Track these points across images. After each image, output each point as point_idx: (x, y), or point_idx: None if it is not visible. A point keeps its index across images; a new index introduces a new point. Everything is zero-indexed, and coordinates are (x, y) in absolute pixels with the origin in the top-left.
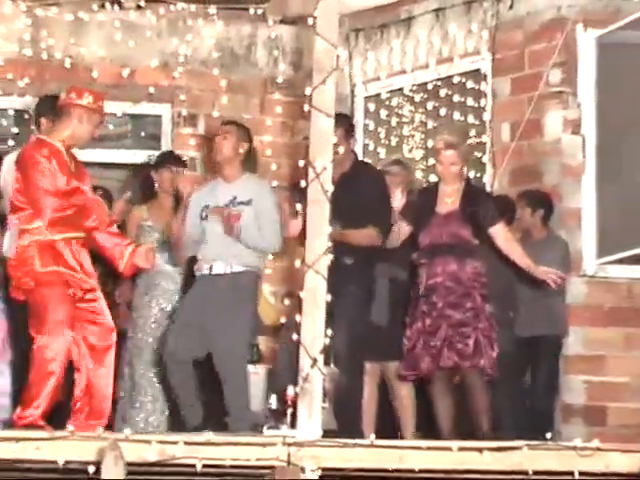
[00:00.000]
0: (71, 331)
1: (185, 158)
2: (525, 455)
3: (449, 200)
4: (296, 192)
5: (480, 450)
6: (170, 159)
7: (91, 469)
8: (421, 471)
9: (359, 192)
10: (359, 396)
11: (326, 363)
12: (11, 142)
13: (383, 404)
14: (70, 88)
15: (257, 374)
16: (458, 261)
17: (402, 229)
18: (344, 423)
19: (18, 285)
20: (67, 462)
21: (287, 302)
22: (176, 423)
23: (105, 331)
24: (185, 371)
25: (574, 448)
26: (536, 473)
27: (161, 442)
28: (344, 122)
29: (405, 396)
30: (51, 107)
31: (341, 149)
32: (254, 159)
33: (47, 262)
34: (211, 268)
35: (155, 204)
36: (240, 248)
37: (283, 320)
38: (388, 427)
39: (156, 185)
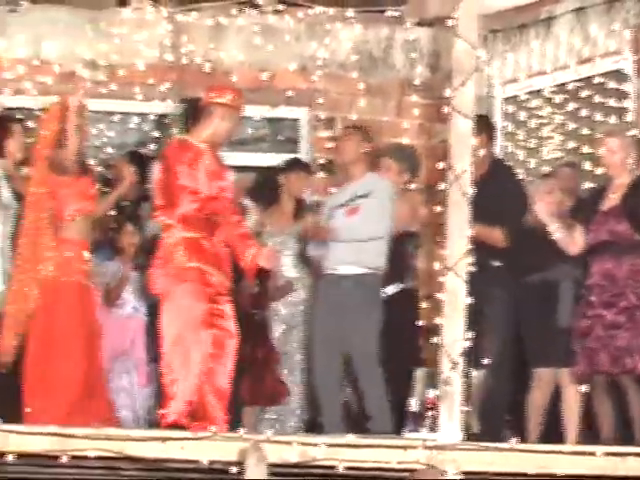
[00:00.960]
0: (206, 330)
1: (322, 161)
2: None
3: (614, 195)
4: (433, 194)
5: (624, 455)
6: (299, 165)
7: (234, 469)
8: (563, 476)
9: (496, 194)
10: (505, 400)
11: (470, 366)
12: (152, 146)
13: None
14: (210, 87)
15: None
16: (614, 259)
17: (577, 232)
18: (489, 426)
19: (159, 281)
20: (211, 462)
21: (425, 305)
22: (315, 425)
23: (228, 335)
24: (329, 375)
25: None
26: None
27: (302, 444)
28: (486, 125)
29: (570, 399)
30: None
31: (482, 151)
32: (416, 160)
33: (192, 258)
34: (336, 269)
35: (277, 209)
36: (362, 250)
37: (421, 323)
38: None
39: (281, 189)
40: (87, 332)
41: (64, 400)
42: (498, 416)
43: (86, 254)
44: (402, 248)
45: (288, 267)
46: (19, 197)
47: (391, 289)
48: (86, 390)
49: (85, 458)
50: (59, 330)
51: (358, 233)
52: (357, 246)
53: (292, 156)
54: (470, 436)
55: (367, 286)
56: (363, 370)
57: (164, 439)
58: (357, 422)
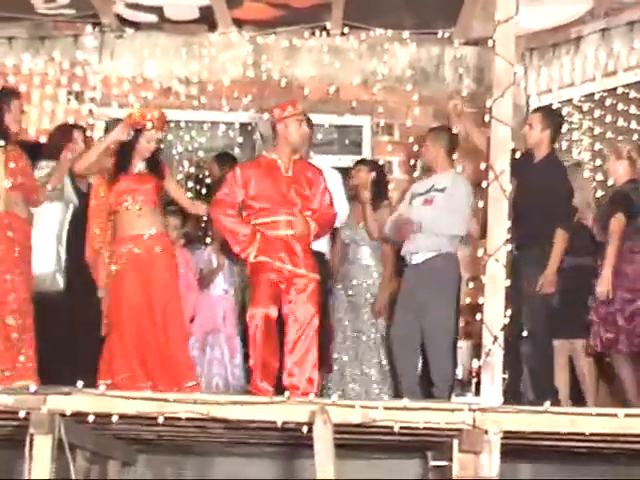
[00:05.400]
0: (269, 307)
1: (382, 162)
2: None
3: None
4: (478, 191)
5: None
6: (363, 162)
7: (304, 429)
8: (590, 434)
9: (547, 181)
10: (545, 367)
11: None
12: (237, 150)
13: None
14: (273, 108)
15: (461, 348)
16: None
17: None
18: (540, 389)
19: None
20: (284, 423)
21: (471, 285)
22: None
23: (306, 312)
24: (407, 349)
25: None
26: None
27: (364, 407)
28: (555, 120)
29: (583, 368)
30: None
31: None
32: None
33: (259, 253)
34: (411, 259)
35: (354, 204)
36: (432, 238)
37: (468, 301)
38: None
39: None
40: (159, 305)
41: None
42: (544, 382)
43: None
44: None
45: (365, 256)
46: (79, 193)
47: None
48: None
49: (177, 419)
50: (129, 304)
51: (431, 225)
52: (429, 237)
53: (358, 157)
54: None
55: (436, 267)
56: (433, 342)
57: (244, 403)
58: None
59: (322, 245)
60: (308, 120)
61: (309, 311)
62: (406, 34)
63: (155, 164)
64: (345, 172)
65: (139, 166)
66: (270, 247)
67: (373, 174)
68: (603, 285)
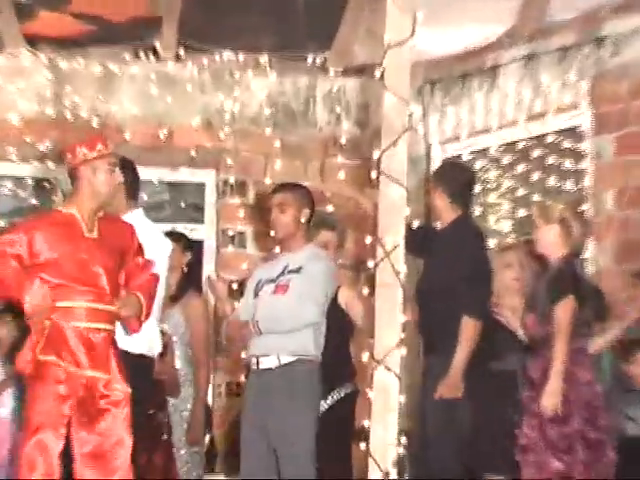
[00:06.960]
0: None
1: (231, 233)
2: None
3: None
4: (362, 272)
5: None
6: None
7: None
8: None
9: (455, 252)
10: None
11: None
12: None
13: None
14: (73, 146)
15: None
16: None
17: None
18: None
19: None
20: None
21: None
22: None
23: (116, 442)
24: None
25: None
26: None
27: None
28: (458, 177)
29: None
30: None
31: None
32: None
33: (46, 350)
34: (258, 363)
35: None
36: (289, 335)
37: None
38: None
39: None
40: None
41: None
42: None
43: None
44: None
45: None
46: None
47: (336, 394)
48: None
49: None
50: None
51: (285, 319)
52: (285, 335)
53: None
54: None
55: (294, 378)
56: (289, 467)
57: None
58: None
59: (141, 345)
60: (126, 165)
61: (120, 441)
62: (264, 58)
63: None
64: None
65: None
66: (62, 343)
67: (189, 255)
68: (551, 396)
